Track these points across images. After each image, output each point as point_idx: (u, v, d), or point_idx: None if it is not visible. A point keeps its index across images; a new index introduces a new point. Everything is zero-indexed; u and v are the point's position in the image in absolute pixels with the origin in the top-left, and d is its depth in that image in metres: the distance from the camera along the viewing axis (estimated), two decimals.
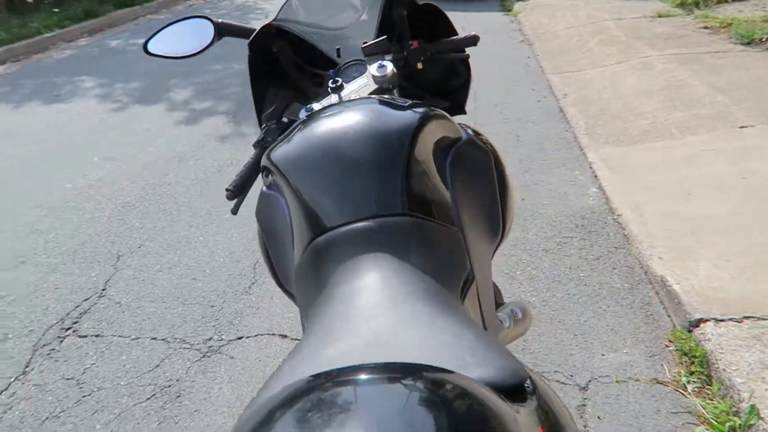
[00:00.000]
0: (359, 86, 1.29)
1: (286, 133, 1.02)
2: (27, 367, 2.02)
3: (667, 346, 1.95)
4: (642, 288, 2.25)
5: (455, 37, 1.38)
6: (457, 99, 1.56)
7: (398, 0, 1.39)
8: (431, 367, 0.56)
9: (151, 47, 1.32)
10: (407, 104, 1.03)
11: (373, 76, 1.24)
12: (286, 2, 1.36)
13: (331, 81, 1.34)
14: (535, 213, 2.84)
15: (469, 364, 0.59)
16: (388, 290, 0.79)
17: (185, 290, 2.39)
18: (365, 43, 1.30)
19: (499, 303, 1.39)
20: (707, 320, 1.90)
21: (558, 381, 1.83)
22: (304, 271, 0.91)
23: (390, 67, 1.25)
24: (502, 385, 0.56)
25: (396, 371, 0.56)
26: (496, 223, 1.15)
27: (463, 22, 7.20)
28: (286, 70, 1.47)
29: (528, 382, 0.58)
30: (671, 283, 2.11)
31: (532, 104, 4.34)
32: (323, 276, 0.87)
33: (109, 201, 3.17)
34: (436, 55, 1.40)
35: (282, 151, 0.96)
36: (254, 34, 1.29)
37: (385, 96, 1.12)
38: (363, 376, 0.54)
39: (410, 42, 1.34)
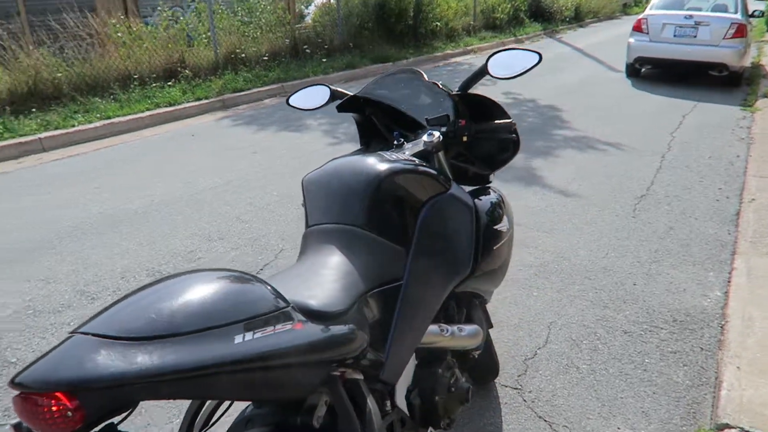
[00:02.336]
0: (412, 145, 1.80)
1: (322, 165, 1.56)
2: None
3: None
4: (702, 389, 2.25)
5: (496, 122, 1.79)
6: (493, 168, 1.96)
7: (458, 95, 1.87)
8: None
9: (291, 100, 2.01)
10: (396, 160, 1.50)
11: (423, 141, 1.72)
12: (373, 81, 1.94)
13: (395, 140, 1.87)
14: (637, 298, 2.91)
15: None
16: (322, 265, 1.29)
17: None
18: (430, 117, 1.80)
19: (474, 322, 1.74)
20: (733, 427, 1.90)
21: None
22: (300, 246, 1.44)
23: (436, 136, 1.72)
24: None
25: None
26: (463, 261, 1.55)
27: (689, 111, 6.98)
28: (379, 128, 2.03)
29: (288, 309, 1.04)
30: (723, 387, 2.11)
31: (708, 202, 4.21)
32: (302, 250, 1.40)
33: (297, 210, 4.06)
34: (480, 132, 1.83)
35: (308, 176, 1.51)
36: (342, 101, 1.89)
37: (387, 153, 1.59)
38: None
39: (459, 120, 1.80)
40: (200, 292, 0.94)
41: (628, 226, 3.80)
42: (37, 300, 2.91)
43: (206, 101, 7.41)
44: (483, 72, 1.80)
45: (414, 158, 1.60)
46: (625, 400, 2.20)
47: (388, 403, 1.37)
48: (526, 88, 8.29)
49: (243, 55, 8.87)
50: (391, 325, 1.35)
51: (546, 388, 2.28)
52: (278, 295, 1.04)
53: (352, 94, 1.94)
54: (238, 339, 0.91)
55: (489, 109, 1.89)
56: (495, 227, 1.69)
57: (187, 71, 8.03)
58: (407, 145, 1.84)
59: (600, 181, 4.66)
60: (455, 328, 1.58)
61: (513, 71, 1.73)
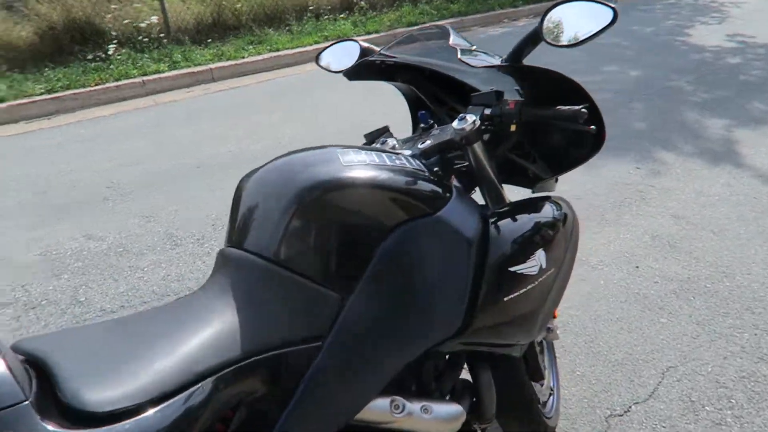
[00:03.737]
0: (439, 132, 1.30)
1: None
2: None
3: None
4: None
5: (559, 108, 1.21)
6: (555, 170, 1.36)
7: (510, 66, 1.30)
8: None
9: (320, 60, 1.59)
10: (358, 164, 1.03)
11: (453, 129, 1.23)
12: (396, 42, 1.42)
13: (422, 123, 1.38)
14: None
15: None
16: (185, 315, 0.94)
17: None
18: (476, 92, 1.29)
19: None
20: None
21: None
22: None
23: (470, 122, 1.21)
24: None
25: None
26: (444, 315, 1.06)
27: None
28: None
29: None
30: None
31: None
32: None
33: None
34: (536, 120, 1.27)
35: (246, 175, 1.12)
36: (351, 67, 1.42)
37: (370, 149, 1.12)
38: None
39: (507, 101, 1.25)
40: None
41: None
42: (130, 239, 2.98)
43: (376, 35, 7.14)
44: (536, 37, 1.22)
45: (406, 159, 1.12)
46: None
47: None
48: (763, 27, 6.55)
49: None
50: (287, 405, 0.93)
51: None
52: (15, 382, 0.70)
53: (380, 50, 1.45)
54: None
55: (559, 87, 1.29)
56: (512, 269, 1.13)
57: (363, 2, 7.81)
58: (434, 132, 1.34)
59: None
60: (418, 406, 1.09)
61: (577, 32, 1.13)
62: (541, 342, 1.69)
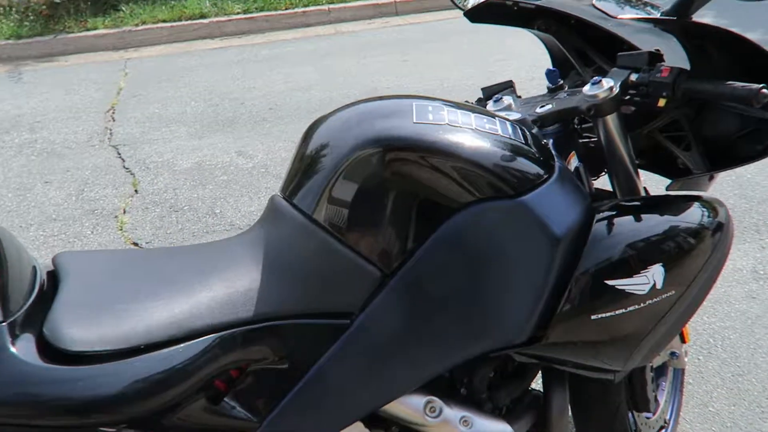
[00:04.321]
0: (566, 96, 1.08)
1: None
2: None
3: None
4: None
5: (731, 84, 0.92)
6: (715, 165, 1.05)
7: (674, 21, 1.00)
8: None
9: None
10: (440, 125, 0.87)
11: (583, 94, 1.01)
12: None
13: (551, 83, 1.15)
14: None
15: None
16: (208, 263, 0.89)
17: None
18: (623, 52, 1.04)
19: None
20: None
21: None
22: None
23: (606, 89, 1.00)
24: None
25: None
26: (507, 319, 0.88)
27: None
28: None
29: None
30: None
31: None
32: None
33: None
34: (696, 96, 0.98)
35: (317, 120, 1.00)
36: (479, 3, 1.19)
37: (470, 107, 0.93)
38: None
39: (661, 66, 0.98)
40: None
41: None
42: (275, 161, 3.06)
43: None
44: None
45: (503, 124, 0.91)
46: None
47: None
48: None
49: None
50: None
51: None
52: None
53: None
54: None
55: (742, 57, 0.97)
56: (610, 282, 0.88)
57: None
58: (560, 95, 1.11)
59: None
60: (459, 414, 0.92)
61: None
62: (662, 366, 1.38)
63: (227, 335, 0.78)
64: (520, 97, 1.22)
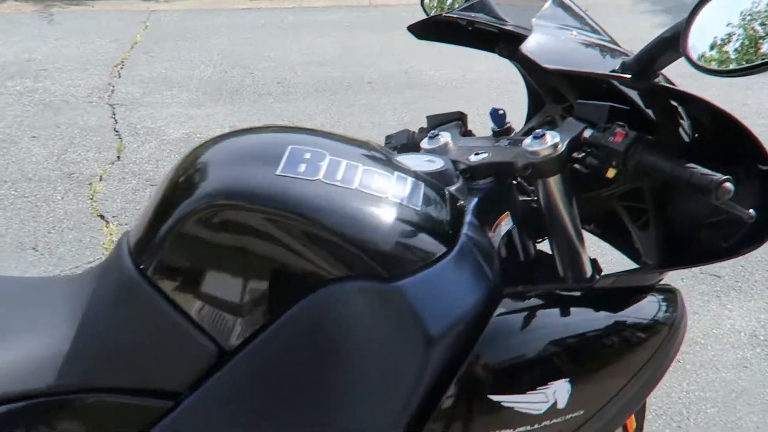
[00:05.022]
0: (507, 145, 0.90)
1: None
2: None
3: None
4: None
5: (691, 168, 0.73)
6: (670, 260, 0.86)
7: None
8: None
9: None
10: (286, 177, 0.71)
11: (524, 149, 0.83)
12: None
13: (493, 122, 0.97)
14: None
15: None
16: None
17: None
18: (582, 100, 0.86)
19: None
20: None
21: None
22: None
23: (549, 146, 0.83)
24: None
25: None
26: (371, 425, 0.72)
27: None
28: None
29: None
30: None
31: None
32: None
33: None
34: (649, 173, 0.80)
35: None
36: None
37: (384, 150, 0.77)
38: None
39: (615, 128, 0.79)
40: None
41: None
42: None
43: None
44: (673, 43, 0.71)
45: (401, 180, 0.75)
46: None
47: None
48: None
49: None
50: None
51: None
52: None
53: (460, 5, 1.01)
54: None
55: (724, 131, 0.78)
56: (494, 397, 0.72)
57: None
58: (500, 142, 0.93)
59: None
60: None
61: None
62: None
63: (15, 409, 0.65)
64: (470, 132, 1.04)
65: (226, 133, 0.83)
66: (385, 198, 0.71)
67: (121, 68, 3.69)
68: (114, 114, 3.10)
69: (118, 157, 2.71)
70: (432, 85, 3.62)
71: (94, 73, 3.58)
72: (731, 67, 0.68)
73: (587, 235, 0.96)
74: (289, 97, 3.38)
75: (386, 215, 0.70)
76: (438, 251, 0.72)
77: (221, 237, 0.70)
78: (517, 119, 1.05)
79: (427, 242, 0.72)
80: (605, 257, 0.97)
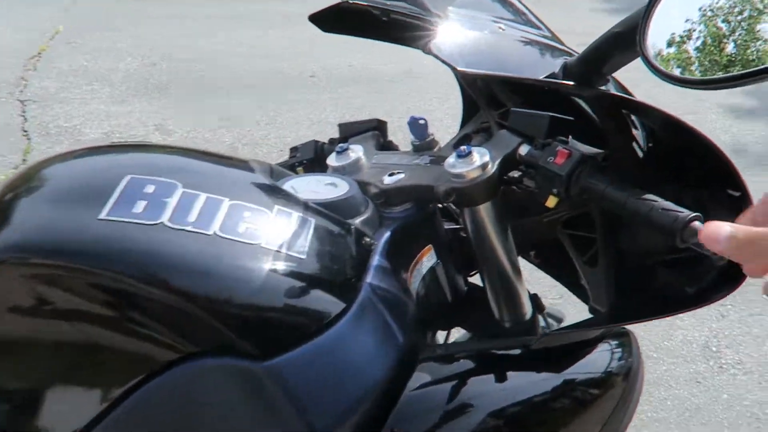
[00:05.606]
0: (427, 163, 0.73)
1: None
2: None
3: None
4: None
5: (652, 201, 0.56)
6: (624, 312, 0.72)
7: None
8: None
9: None
10: (109, 222, 0.54)
11: (446, 170, 0.66)
12: None
13: (412, 134, 0.80)
14: None
15: None
16: None
17: None
18: (518, 108, 0.69)
19: None
20: None
21: None
22: None
23: (476, 167, 0.67)
24: None
25: None
26: None
27: None
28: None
29: None
30: None
31: None
32: None
33: None
34: (599, 205, 0.64)
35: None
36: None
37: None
38: None
39: (557, 148, 0.62)
40: None
41: None
42: (197, 140, 2.70)
43: None
44: (628, 40, 0.56)
45: (299, 218, 0.58)
46: None
47: None
48: None
49: None
50: None
51: None
52: None
53: None
54: None
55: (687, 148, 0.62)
56: None
57: None
58: (423, 159, 0.76)
59: None
60: None
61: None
62: None
63: None
64: (389, 144, 0.87)
65: (57, 154, 0.64)
66: (255, 245, 0.54)
67: (38, 60, 3.37)
68: (24, 112, 2.81)
69: (24, 160, 2.44)
70: (378, 79, 3.44)
71: (5, 66, 3.25)
72: (709, 77, 0.53)
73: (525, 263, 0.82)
74: (221, 93, 3.15)
75: (255, 270, 0.53)
76: (330, 312, 0.55)
77: (38, 301, 0.51)
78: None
79: (314, 302, 0.55)
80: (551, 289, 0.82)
